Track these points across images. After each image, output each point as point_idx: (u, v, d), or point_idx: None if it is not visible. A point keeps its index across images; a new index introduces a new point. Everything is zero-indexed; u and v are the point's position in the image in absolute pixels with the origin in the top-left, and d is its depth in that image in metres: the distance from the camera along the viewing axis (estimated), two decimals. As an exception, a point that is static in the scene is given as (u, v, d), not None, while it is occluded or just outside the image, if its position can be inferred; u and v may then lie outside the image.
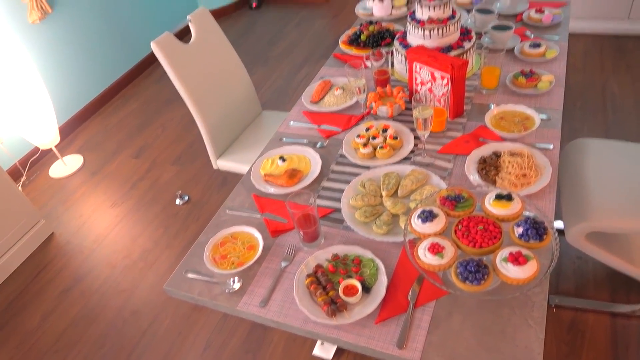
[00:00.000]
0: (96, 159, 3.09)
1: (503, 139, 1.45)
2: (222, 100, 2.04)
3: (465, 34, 1.72)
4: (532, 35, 1.91)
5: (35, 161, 3.11)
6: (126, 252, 2.39)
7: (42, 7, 2.97)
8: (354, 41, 2.03)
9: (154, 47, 1.78)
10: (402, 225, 1.23)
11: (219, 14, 4.52)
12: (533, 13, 2.00)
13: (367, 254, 1.17)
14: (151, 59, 3.94)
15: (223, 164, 2.07)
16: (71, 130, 3.37)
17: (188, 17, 1.94)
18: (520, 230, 1.05)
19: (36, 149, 3.10)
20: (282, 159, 1.51)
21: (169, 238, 2.42)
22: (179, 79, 1.85)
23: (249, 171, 1.52)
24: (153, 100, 3.56)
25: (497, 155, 1.37)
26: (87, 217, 2.64)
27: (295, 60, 3.68)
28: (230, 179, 2.70)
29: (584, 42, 3.17)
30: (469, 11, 2.11)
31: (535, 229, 1.03)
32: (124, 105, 3.56)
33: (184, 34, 4.11)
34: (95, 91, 3.53)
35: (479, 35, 1.92)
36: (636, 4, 3.02)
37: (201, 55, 1.96)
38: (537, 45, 1.78)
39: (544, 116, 1.50)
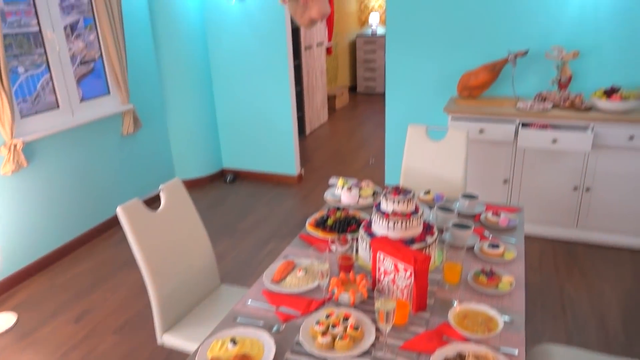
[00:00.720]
0: (31, 320, 2.81)
1: (467, 339, 1.39)
2: (180, 271, 1.97)
3: (427, 228, 1.78)
4: (490, 236, 1.99)
5: (-40, 317, 2.81)
6: None
7: (17, 161, 3.02)
8: (321, 224, 2.07)
9: (119, 212, 1.77)
10: None
11: (194, 185, 4.68)
12: (490, 215, 2.13)
13: None
14: (114, 222, 3.92)
15: (169, 339, 1.89)
16: (12, 285, 3.13)
17: (160, 186, 1.98)
18: None
19: (-35, 304, 2.83)
20: (234, 341, 1.39)
21: None
22: (138, 245, 1.79)
23: (195, 352, 1.38)
24: (107, 262, 3.43)
25: (461, 356, 1.30)
26: (-1, 390, 2.29)
27: (262, 235, 3.72)
28: (174, 358, 2.46)
29: (539, 244, 3.34)
30: (431, 208, 2.23)
31: None
32: (76, 265, 3.41)
33: (153, 201, 4.17)
34: (48, 247, 3.39)
35: (441, 231, 2.00)
36: (582, 214, 3.29)
37: (166, 224, 1.95)
38: (496, 246, 1.84)
39: (506, 318, 1.48)
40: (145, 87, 4.19)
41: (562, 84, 3.33)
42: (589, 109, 3.13)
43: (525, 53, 3.32)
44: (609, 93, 3.06)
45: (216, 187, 4.73)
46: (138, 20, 4.02)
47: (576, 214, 3.31)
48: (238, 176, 4.91)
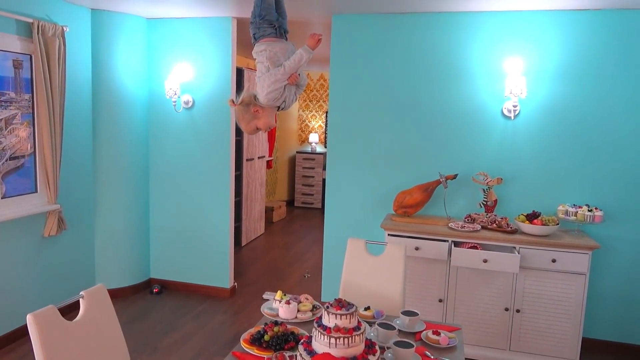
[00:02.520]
0: None
1: None
2: (91, 393, 1.71)
3: (370, 346, 1.71)
4: (432, 356, 1.94)
5: None
6: None
7: None
8: (257, 340, 1.93)
9: (29, 320, 1.57)
10: None
11: (115, 295, 4.31)
12: (430, 334, 2.09)
13: None
14: (20, 333, 3.47)
15: None
16: None
17: (81, 293, 1.80)
18: None
19: None
20: None
21: None
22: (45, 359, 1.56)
23: None
24: (3, 383, 2.96)
25: None
26: None
27: (186, 354, 3.40)
28: None
29: (474, 367, 3.29)
30: (371, 324, 2.16)
31: None
32: (-38, 386, 2.91)
33: (71, 309, 3.77)
34: None
35: (382, 349, 1.92)
36: (514, 336, 3.32)
37: (83, 336, 1.73)
38: (438, 367, 1.78)
39: None
40: (77, 187, 4.01)
41: (489, 207, 3.56)
42: (515, 231, 3.33)
43: (455, 176, 3.57)
44: (531, 218, 3.30)
45: (140, 298, 4.39)
46: (80, 119, 3.97)
47: (508, 335, 3.34)
48: (166, 287, 4.61)
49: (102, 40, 4.05)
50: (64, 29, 3.55)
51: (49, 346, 1.58)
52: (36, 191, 3.61)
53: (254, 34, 2.26)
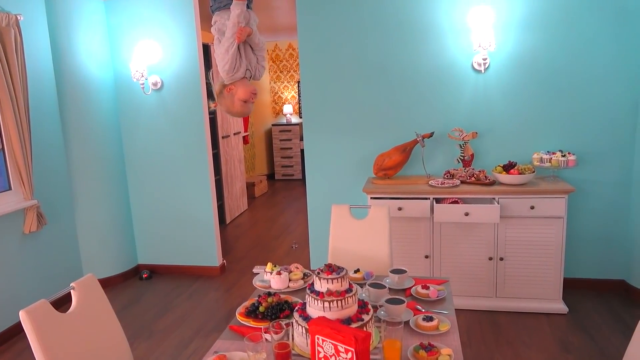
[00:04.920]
0: None
1: (416, 420, 1.33)
2: (94, 380, 1.73)
3: (363, 306, 1.76)
4: (423, 309, 2.00)
5: None
6: None
7: None
8: (252, 312, 1.97)
9: (23, 316, 1.56)
10: None
11: (105, 284, 4.30)
12: (419, 289, 2.15)
13: None
14: (12, 332, 3.45)
15: None
16: None
17: (72, 284, 1.79)
18: None
19: None
20: None
21: None
22: (44, 354, 1.57)
23: None
24: (2, 381, 2.96)
25: None
26: None
27: (184, 334, 3.44)
28: None
29: (464, 317, 3.41)
30: (362, 285, 2.21)
31: None
32: (-40, 389, 2.90)
33: (63, 302, 3.75)
34: None
35: (375, 308, 1.97)
36: (499, 283, 3.44)
37: (79, 326, 1.74)
38: (430, 319, 1.85)
39: (451, 392, 1.45)
40: (52, 180, 3.93)
41: (466, 162, 3.62)
42: (493, 182, 3.40)
43: (431, 134, 3.61)
44: (507, 168, 3.37)
45: (130, 285, 4.39)
46: (46, 111, 3.85)
47: (494, 283, 3.46)
48: (155, 272, 4.61)
49: (59, 26, 3.89)
50: (18, 17, 3.40)
51: (46, 340, 1.58)
52: (10, 188, 3.53)
53: (211, 6, 2.20)
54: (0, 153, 3.48)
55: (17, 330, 3.47)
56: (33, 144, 3.62)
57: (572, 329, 3.21)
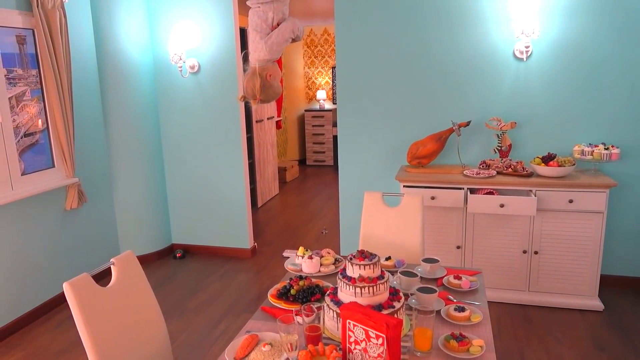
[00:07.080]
0: None
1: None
2: (131, 354, 1.80)
3: (394, 294, 1.76)
4: (455, 299, 1.99)
5: None
6: None
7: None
8: (284, 295, 2.00)
9: (66, 288, 1.63)
10: None
11: (140, 261, 4.40)
12: (452, 279, 2.13)
13: None
14: (54, 303, 3.62)
15: None
16: None
17: (112, 260, 1.86)
18: None
19: None
20: None
21: None
22: (86, 325, 1.64)
23: None
24: (42, 351, 3.11)
25: None
26: None
27: (215, 313, 3.52)
28: None
29: (495, 309, 3.36)
30: (393, 273, 2.21)
31: None
32: (5, 357, 3.05)
33: (103, 276, 3.90)
34: (-25, 336, 3.05)
35: (406, 296, 1.97)
36: (533, 277, 3.37)
37: (118, 300, 1.80)
38: (462, 309, 1.83)
39: (482, 383, 1.44)
40: (92, 160, 4.06)
41: (504, 152, 3.54)
42: (530, 174, 3.32)
43: (468, 123, 3.54)
44: (546, 160, 3.28)
45: (165, 263, 4.52)
46: (88, 92, 3.97)
47: (527, 277, 3.39)
48: (188, 251, 4.72)
49: (101, 9, 3.98)
50: (63, 0, 3.49)
51: (87, 312, 1.65)
52: (54, 166, 3.67)
53: None
54: (45, 132, 3.61)
55: (58, 301, 3.64)
56: (75, 124, 3.74)
57: (607, 327, 3.13)
